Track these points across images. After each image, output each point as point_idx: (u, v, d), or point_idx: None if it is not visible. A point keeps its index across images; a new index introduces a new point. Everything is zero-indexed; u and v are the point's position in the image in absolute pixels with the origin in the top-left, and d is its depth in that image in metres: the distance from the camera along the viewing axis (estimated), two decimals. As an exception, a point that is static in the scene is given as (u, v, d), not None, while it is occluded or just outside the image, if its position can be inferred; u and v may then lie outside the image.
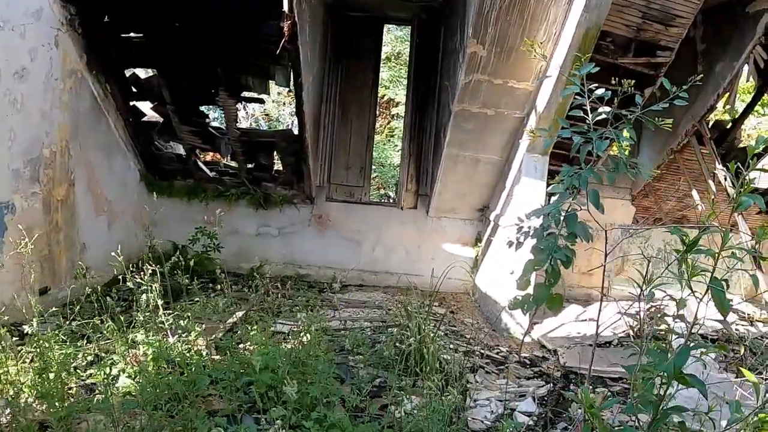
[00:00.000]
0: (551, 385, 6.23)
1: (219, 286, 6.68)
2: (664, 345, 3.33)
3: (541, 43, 6.75)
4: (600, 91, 3.96)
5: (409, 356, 5.60)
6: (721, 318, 2.92)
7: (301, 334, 5.52)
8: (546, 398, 5.84)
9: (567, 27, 6.55)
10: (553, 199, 5.65)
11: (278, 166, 9.80)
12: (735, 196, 2.85)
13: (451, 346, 6.83)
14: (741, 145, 10.15)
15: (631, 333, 8.48)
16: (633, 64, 7.34)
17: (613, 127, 4.05)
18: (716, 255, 2.77)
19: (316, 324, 5.70)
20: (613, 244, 10.29)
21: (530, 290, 5.93)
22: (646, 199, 10.26)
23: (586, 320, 8.77)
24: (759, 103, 10.18)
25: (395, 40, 16.65)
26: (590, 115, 4.00)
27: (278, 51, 6.85)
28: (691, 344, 2.90)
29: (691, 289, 2.88)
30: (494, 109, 7.64)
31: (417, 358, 5.59)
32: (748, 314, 10.29)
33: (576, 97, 4.02)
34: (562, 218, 5.39)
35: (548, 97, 7.11)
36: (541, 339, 7.69)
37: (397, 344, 6.04)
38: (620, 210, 10.19)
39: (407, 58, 10.27)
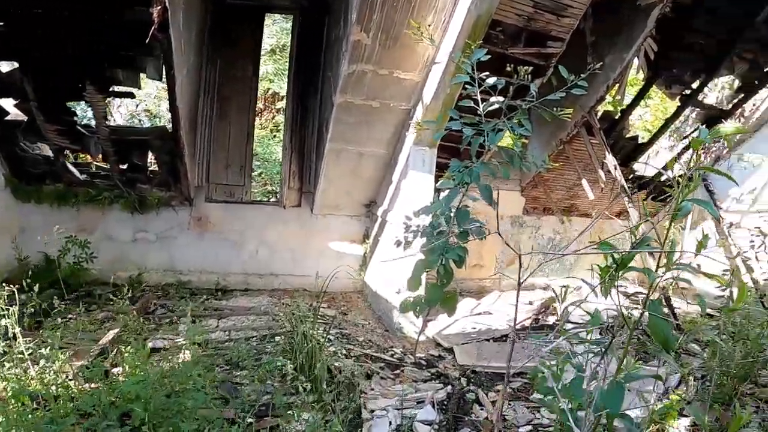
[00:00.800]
0: (450, 387, 6.00)
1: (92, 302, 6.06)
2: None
3: (429, 27, 6.48)
4: (492, 80, 3.71)
5: (297, 369, 5.19)
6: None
7: (181, 352, 5.04)
8: (446, 402, 5.59)
9: (456, 14, 6.30)
10: (443, 195, 5.39)
11: (154, 166, 9.13)
12: (676, 199, 2.62)
13: (343, 351, 6.47)
14: (628, 135, 10.33)
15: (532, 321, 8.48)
16: (523, 55, 7.20)
17: (506, 118, 3.82)
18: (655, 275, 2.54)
19: (198, 337, 5.23)
20: (505, 236, 10.34)
21: (422, 290, 5.67)
22: (535, 190, 10.25)
23: (480, 313, 8.66)
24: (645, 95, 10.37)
25: (281, 31, 16.10)
26: (481, 106, 3.73)
27: (148, 40, 6.26)
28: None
29: (623, 312, 2.64)
30: (379, 101, 7.32)
31: (306, 371, 5.19)
32: (637, 293, 10.45)
33: (465, 87, 3.75)
34: (452, 215, 5.13)
35: (436, 87, 6.87)
36: (437, 337, 7.47)
37: (284, 355, 5.63)
38: (510, 202, 10.15)
39: (291, 50, 9.70)
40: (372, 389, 5.63)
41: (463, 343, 7.49)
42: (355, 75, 6.79)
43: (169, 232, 8.64)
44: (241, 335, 6.55)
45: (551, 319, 8.90)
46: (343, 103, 7.18)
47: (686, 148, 10.63)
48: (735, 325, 8.86)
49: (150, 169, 8.74)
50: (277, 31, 15.93)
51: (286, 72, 14.20)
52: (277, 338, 6.48)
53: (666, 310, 8.87)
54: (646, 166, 10.72)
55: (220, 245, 8.88)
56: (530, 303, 9.15)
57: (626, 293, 11.05)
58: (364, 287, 9.33)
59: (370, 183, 8.79)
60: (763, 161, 10.43)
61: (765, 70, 9.52)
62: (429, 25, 6.46)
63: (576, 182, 10.11)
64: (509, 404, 5.68)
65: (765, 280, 10.14)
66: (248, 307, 7.70)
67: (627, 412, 5.39)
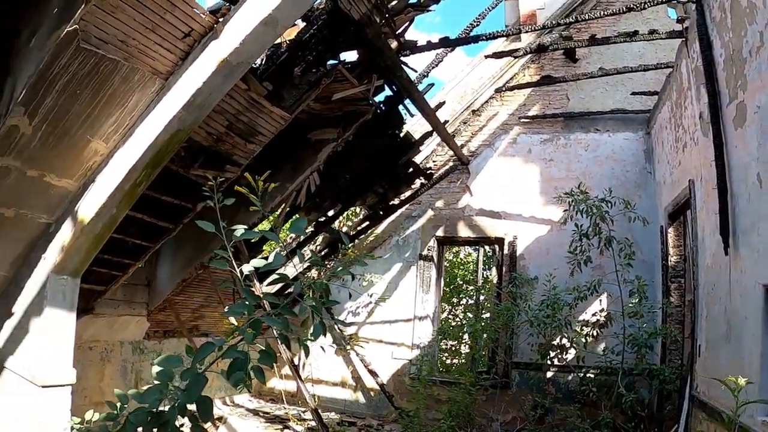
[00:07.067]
0: None
1: None
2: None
3: (110, 128, 5.13)
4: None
5: None
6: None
7: None
8: None
9: (149, 122, 5.02)
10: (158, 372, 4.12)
11: None
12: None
13: None
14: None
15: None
16: (198, 176, 6.21)
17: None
18: None
19: None
20: (127, 364, 8.90)
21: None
22: (162, 313, 9.11)
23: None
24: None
25: None
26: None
27: None
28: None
29: None
30: (15, 210, 5.37)
31: None
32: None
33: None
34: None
35: (101, 204, 5.37)
36: None
37: None
38: (134, 326, 8.82)
39: None
40: None
41: None
42: (-5, 173, 4.86)
43: None
44: None
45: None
46: (-33, 208, 5.10)
47: (308, 268, 10.87)
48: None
49: None
50: None
51: None
52: None
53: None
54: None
55: None
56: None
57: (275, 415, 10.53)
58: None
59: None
60: (380, 279, 11.78)
61: (390, 203, 10.62)
62: (111, 126, 5.11)
63: (203, 303, 9.39)
64: None
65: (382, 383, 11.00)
66: None
67: None
